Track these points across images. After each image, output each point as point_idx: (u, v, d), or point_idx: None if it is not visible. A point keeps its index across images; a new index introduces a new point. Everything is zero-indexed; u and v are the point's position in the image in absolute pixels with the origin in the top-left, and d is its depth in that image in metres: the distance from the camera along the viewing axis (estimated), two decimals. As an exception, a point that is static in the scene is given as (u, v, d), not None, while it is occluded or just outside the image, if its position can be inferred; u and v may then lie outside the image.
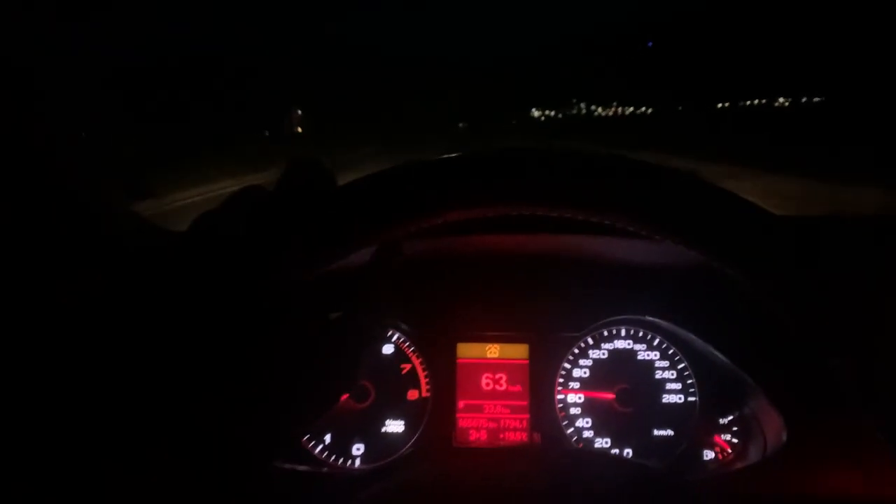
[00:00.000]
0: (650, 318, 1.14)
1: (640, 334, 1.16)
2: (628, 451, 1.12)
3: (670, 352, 1.14)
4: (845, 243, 0.52)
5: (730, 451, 1.10)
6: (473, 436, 1.13)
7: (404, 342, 1.16)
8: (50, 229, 0.96)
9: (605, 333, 1.16)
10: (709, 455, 1.11)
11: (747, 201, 0.52)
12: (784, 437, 0.98)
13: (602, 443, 1.12)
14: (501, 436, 1.13)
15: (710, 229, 0.52)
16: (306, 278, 0.52)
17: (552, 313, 1.16)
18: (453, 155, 0.53)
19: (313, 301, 0.56)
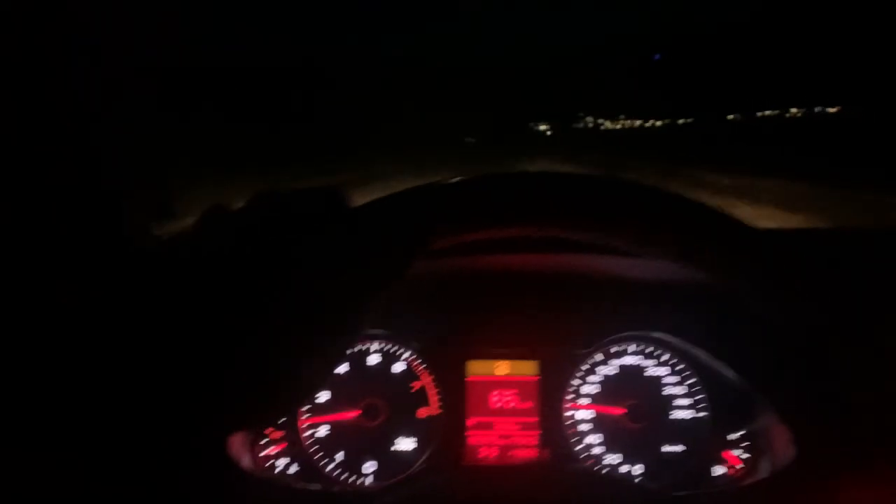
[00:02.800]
0: (658, 335, 1.18)
1: (649, 350, 1.19)
2: (640, 467, 1.15)
3: (679, 367, 1.18)
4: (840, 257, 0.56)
5: (740, 466, 1.13)
6: (483, 453, 1.16)
7: (415, 360, 1.20)
8: (51, 229, 0.99)
9: (615, 350, 1.20)
10: (719, 470, 1.14)
11: (724, 213, 0.57)
12: (793, 453, 1.00)
13: (612, 459, 1.15)
14: (511, 453, 1.16)
15: (700, 246, 0.57)
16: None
17: (561, 330, 1.20)
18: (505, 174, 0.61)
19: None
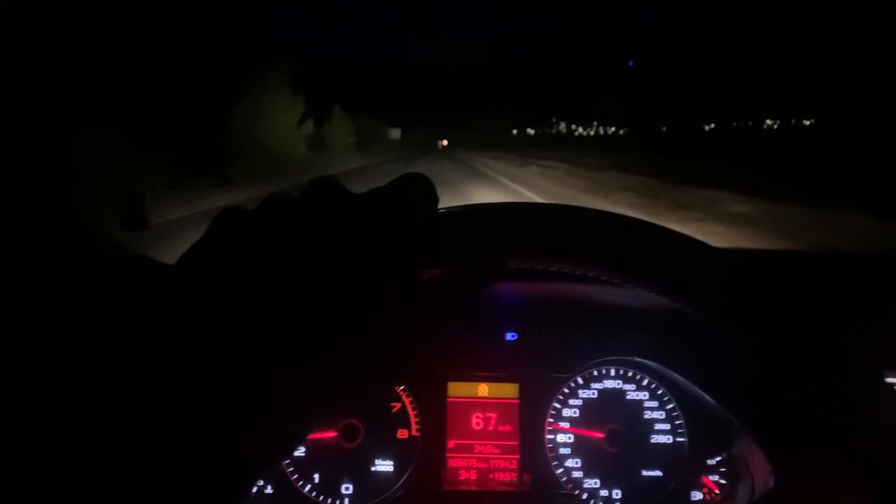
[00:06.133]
0: (638, 359, 1.22)
1: (630, 374, 1.24)
2: (617, 492, 1.19)
3: (659, 392, 1.22)
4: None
5: (718, 491, 1.18)
6: (463, 476, 1.20)
7: (394, 381, 1.23)
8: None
9: (595, 374, 1.24)
10: (697, 496, 1.19)
11: (689, 238, 0.61)
12: (771, 482, 1.05)
13: (591, 483, 1.19)
14: (491, 476, 1.19)
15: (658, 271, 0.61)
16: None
17: (542, 354, 1.23)
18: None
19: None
